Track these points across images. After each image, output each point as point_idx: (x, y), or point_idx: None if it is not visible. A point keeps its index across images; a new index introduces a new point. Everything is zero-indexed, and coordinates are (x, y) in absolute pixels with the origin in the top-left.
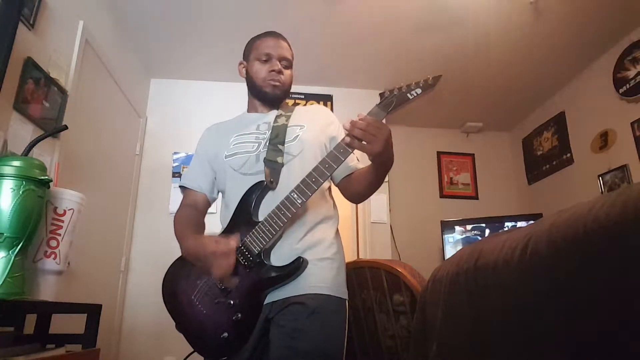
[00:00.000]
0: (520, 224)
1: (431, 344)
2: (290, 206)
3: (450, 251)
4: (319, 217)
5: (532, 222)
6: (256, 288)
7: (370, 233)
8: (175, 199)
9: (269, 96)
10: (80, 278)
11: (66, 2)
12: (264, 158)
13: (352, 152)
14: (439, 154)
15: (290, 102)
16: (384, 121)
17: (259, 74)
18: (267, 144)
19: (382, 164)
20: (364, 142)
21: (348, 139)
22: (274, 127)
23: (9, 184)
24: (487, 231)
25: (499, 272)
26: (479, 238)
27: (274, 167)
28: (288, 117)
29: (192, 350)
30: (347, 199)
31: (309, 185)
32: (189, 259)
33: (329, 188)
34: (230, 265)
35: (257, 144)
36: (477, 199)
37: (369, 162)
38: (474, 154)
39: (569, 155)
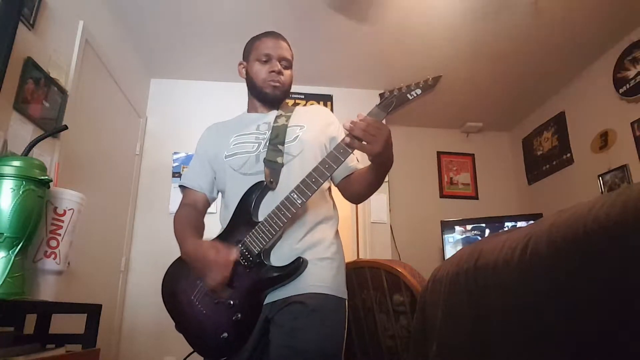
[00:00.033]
0: (520, 224)
1: (431, 344)
2: (290, 206)
3: (450, 251)
4: (319, 217)
5: (532, 222)
6: (256, 288)
7: (370, 233)
8: (175, 199)
9: (269, 97)
10: (80, 278)
11: (66, 2)
12: (264, 158)
13: (352, 152)
14: (439, 154)
15: (290, 102)
16: (383, 121)
17: (259, 75)
18: (267, 144)
19: (381, 164)
20: (364, 143)
21: (348, 139)
22: (274, 127)
23: (9, 184)
24: (487, 231)
25: (499, 272)
26: (479, 238)
27: (273, 167)
28: (288, 118)
29: (191, 350)
30: (347, 199)
31: (308, 185)
32: (187, 261)
33: (329, 188)
34: (225, 277)
35: (257, 144)
36: (477, 199)
37: (369, 163)
38: (474, 154)
39: (569, 155)
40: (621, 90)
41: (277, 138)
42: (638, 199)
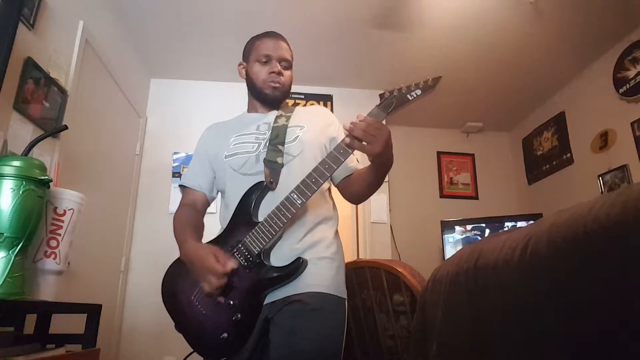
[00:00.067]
0: (520, 224)
1: (431, 344)
2: (290, 207)
3: (450, 251)
4: (318, 217)
5: (532, 222)
6: (256, 288)
7: (370, 233)
8: (175, 199)
9: (269, 98)
10: (80, 278)
11: (66, 2)
12: (264, 158)
13: (351, 152)
14: (439, 154)
15: (290, 102)
16: (383, 122)
17: (259, 76)
18: (267, 144)
19: (381, 165)
20: (364, 143)
21: (348, 140)
22: (274, 127)
23: (9, 184)
24: (487, 231)
25: (499, 272)
26: (479, 238)
27: (273, 167)
28: (288, 118)
29: (191, 350)
30: (347, 200)
31: (308, 185)
32: (185, 262)
33: (329, 189)
34: (220, 285)
35: (257, 144)
36: (477, 199)
37: (369, 163)
38: (474, 154)
39: (569, 155)
40: (621, 90)
41: (277, 138)
42: (638, 199)
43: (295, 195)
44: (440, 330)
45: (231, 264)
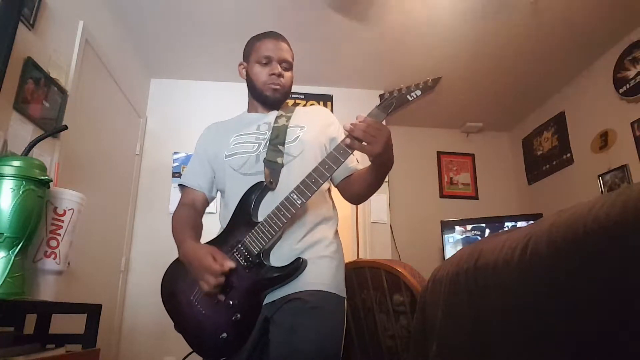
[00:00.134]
0: (520, 224)
1: (431, 344)
2: (289, 207)
3: (450, 251)
4: (318, 217)
5: (532, 222)
6: (255, 288)
7: (370, 233)
8: (175, 199)
9: (269, 99)
10: (80, 278)
11: (66, 2)
12: (264, 158)
13: (351, 153)
14: (439, 154)
15: (290, 102)
16: (383, 122)
17: (260, 78)
18: (267, 144)
19: (382, 165)
20: (364, 143)
21: (348, 140)
22: (274, 127)
23: (9, 184)
24: (487, 231)
25: (499, 272)
26: (479, 238)
27: (273, 167)
28: (288, 118)
29: (191, 350)
30: (347, 200)
31: (308, 186)
32: (183, 262)
33: (329, 189)
34: (218, 285)
35: (257, 144)
36: (477, 199)
37: (369, 163)
38: (474, 154)
39: (569, 155)
40: (621, 90)
41: (277, 138)
42: (638, 199)
43: (295, 196)
44: (440, 330)
45: (229, 264)
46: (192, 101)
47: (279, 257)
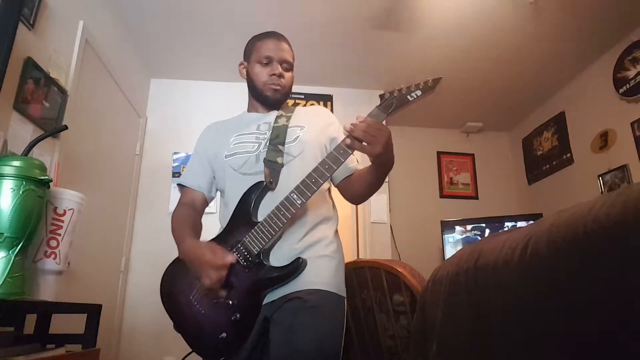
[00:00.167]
0: (520, 224)
1: (431, 344)
2: (289, 207)
3: (450, 251)
4: (318, 217)
5: (532, 222)
6: (255, 288)
7: (370, 233)
8: (175, 199)
9: (269, 100)
10: (80, 278)
11: (66, 2)
12: (264, 158)
13: (351, 153)
14: (439, 154)
15: (290, 102)
16: (384, 122)
17: (260, 78)
18: (268, 144)
19: (382, 165)
20: (364, 144)
21: (348, 141)
22: (275, 127)
23: (9, 184)
24: (487, 231)
25: (499, 272)
26: (479, 238)
27: (273, 167)
28: (288, 118)
29: (190, 350)
30: (347, 200)
31: (308, 186)
32: (184, 260)
33: (329, 189)
34: (220, 279)
35: (257, 144)
36: (477, 199)
37: (369, 163)
38: (474, 154)
39: (569, 155)
40: (621, 90)
41: (277, 138)
42: (638, 199)
43: (295, 195)
44: (440, 330)
45: (230, 257)
46: (192, 101)
47: (278, 257)
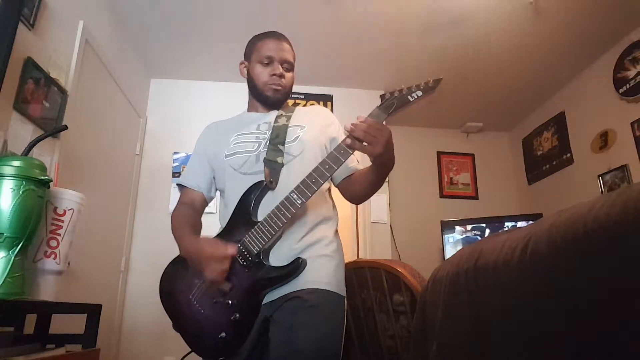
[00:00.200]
0: (520, 224)
1: (431, 344)
2: (289, 206)
3: (450, 251)
4: (318, 217)
5: (532, 222)
6: (255, 288)
7: (370, 233)
8: (175, 199)
9: (269, 100)
10: (80, 278)
11: (66, 2)
12: (264, 158)
13: (352, 153)
14: (439, 154)
15: (290, 102)
16: (384, 123)
17: (261, 78)
18: (268, 143)
19: (383, 165)
20: (364, 144)
21: (349, 141)
22: (275, 127)
23: (9, 184)
24: (487, 231)
25: (499, 272)
26: (479, 238)
27: (273, 167)
28: (289, 118)
29: (189, 350)
30: (348, 200)
31: (308, 185)
32: (186, 258)
33: (329, 189)
34: (223, 270)
35: (257, 144)
36: (477, 199)
37: (369, 163)
38: (474, 154)
39: (569, 155)
40: (621, 90)
41: (277, 138)
42: (638, 199)
43: (295, 195)
44: (440, 330)
45: (231, 249)
46: (192, 101)
47: (278, 257)
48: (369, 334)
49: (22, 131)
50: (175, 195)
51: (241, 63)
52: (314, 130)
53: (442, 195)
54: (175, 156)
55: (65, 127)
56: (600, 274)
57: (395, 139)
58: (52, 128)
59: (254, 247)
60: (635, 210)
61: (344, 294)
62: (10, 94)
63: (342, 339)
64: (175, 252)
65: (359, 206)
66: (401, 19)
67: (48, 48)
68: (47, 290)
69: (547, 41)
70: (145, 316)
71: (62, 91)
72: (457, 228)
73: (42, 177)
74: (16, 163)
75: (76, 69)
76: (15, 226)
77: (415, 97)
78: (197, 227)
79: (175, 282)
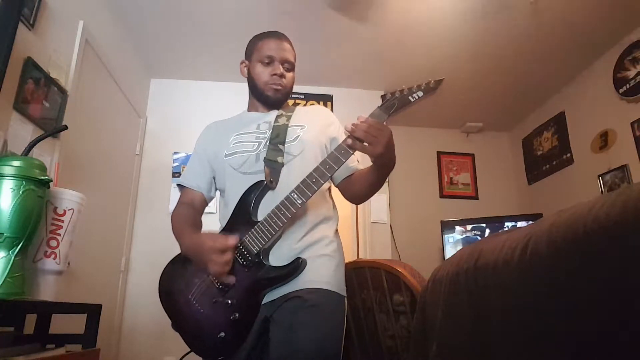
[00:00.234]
0: (520, 224)
1: (431, 344)
2: (290, 206)
3: (450, 251)
4: (318, 217)
5: (532, 222)
6: (254, 288)
7: (370, 233)
8: (175, 199)
9: (270, 100)
10: (80, 278)
11: (66, 2)
12: (264, 157)
13: (352, 153)
14: (439, 154)
15: (290, 102)
16: (384, 123)
17: (261, 77)
18: (268, 143)
19: (383, 166)
20: (365, 144)
21: (350, 141)
22: (275, 126)
23: (9, 184)
24: (487, 231)
25: (499, 272)
26: (479, 238)
27: (274, 166)
28: (289, 117)
29: (189, 350)
30: (348, 200)
31: (309, 185)
32: (187, 255)
33: (329, 189)
34: (226, 261)
35: (257, 143)
36: (477, 199)
37: (369, 163)
38: (474, 154)
39: (569, 155)
40: (621, 90)
41: (277, 137)
42: (638, 199)
43: (295, 195)
44: (440, 330)
45: (231, 239)
46: (192, 101)
47: (278, 257)
48: (369, 334)
49: (22, 131)
50: (175, 195)
51: (242, 62)
52: (314, 130)
53: (442, 195)
54: (175, 156)
55: (65, 127)
56: (600, 274)
57: (395, 139)
58: (52, 128)
59: (253, 247)
60: (635, 210)
61: (344, 293)
62: (10, 94)
63: (342, 339)
64: (175, 252)
65: (359, 206)
66: (401, 19)
67: (48, 48)
68: (47, 290)
69: (547, 41)
70: (145, 316)
71: (62, 91)
72: (457, 228)
73: (42, 177)
74: (16, 163)
75: (76, 69)
76: (15, 226)
77: (416, 97)
78: (198, 226)
79: (174, 281)
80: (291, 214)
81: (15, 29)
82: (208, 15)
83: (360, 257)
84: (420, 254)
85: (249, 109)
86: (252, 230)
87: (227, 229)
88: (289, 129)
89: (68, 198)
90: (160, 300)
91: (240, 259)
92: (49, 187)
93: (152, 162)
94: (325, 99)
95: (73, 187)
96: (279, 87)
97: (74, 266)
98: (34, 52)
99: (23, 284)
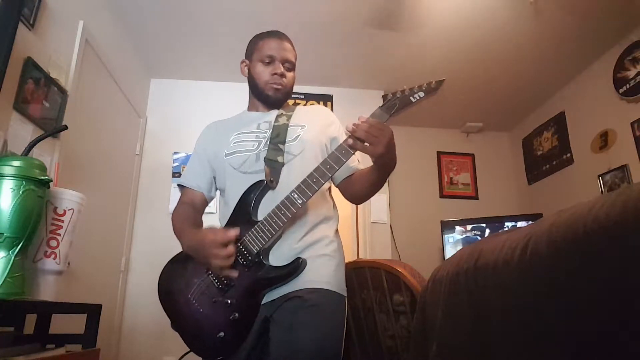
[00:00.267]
0: (520, 224)
1: (431, 344)
2: (290, 206)
3: (450, 251)
4: (319, 217)
5: (532, 222)
6: (254, 288)
7: (370, 233)
8: (175, 199)
9: (270, 99)
10: (80, 278)
11: (66, 2)
12: (265, 157)
13: (353, 153)
14: (439, 154)
15: (290, 102)
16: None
17: (262, 77)
18: (268, 143)
19: (384, 166)
20: (366, 144)
21: (350, 141)
22: (275, 126)
23: (9, 184)
24: (487, 231)
25: (499, 272)
26: (479, 238)
27: (274, 166)
28: (289, 117)
29: (188, 350)
30: (348, 200)
31: (309, 185)
32: (189, 253)
33: (329, 188)
34: (229, 253)
35: (257, 143)
36: (477, 199)
37: (370, 163)
38: (474, 154)
39: (569, 155)
40: (621, 90)
41: (278, 137)
42: (638, 199)
43: (295, 195)
44: (440, 330)
45: (232, 231)
46: (192, 101)
47: (278, 257)
48: (369, 334)
49: (22, 131)
50: (175, 195)
51: (242, 62)
52: (315, 129)
53: (442, 195)
54: (175, 156)
55: (65, 127)
56: (600, 274)
57: (395, 139)
58: (52, 128)
59: (253, 247)
60: (635, 210)
61: (345, 293)
62: (10, 94)
63: (342, 338)
64: (175, 252)
65: (359, 206)
66: (402, 19)
67: (48, 48)
68: (47, 290)
69: (547, 41)
70: (145, 316)
71: (62, 91)
72: (457, 228)
73: (42, 177)
74: (16, 163)
75: (76, 69)
76: (15, 226)
77: (418, 97)
78: (198, 225)
79: (174, 280)
80: (291, 213)
81: (15, 29)
82: (208, 15)
83: (360, 257)
84: (420, 254)
85: (249, 109)
86: (252, 229)
87: (227, 228)
88: (289, 128)
89: (68, 198)
90: (160, 299)
91: (240, 259)
92: (49, 187)
93: (152, 162)
94: (325, 99)
95: (73, 187)
96: (280, 87)
97: (74, 266)
98: (34, 52)
99: (23, 284)
